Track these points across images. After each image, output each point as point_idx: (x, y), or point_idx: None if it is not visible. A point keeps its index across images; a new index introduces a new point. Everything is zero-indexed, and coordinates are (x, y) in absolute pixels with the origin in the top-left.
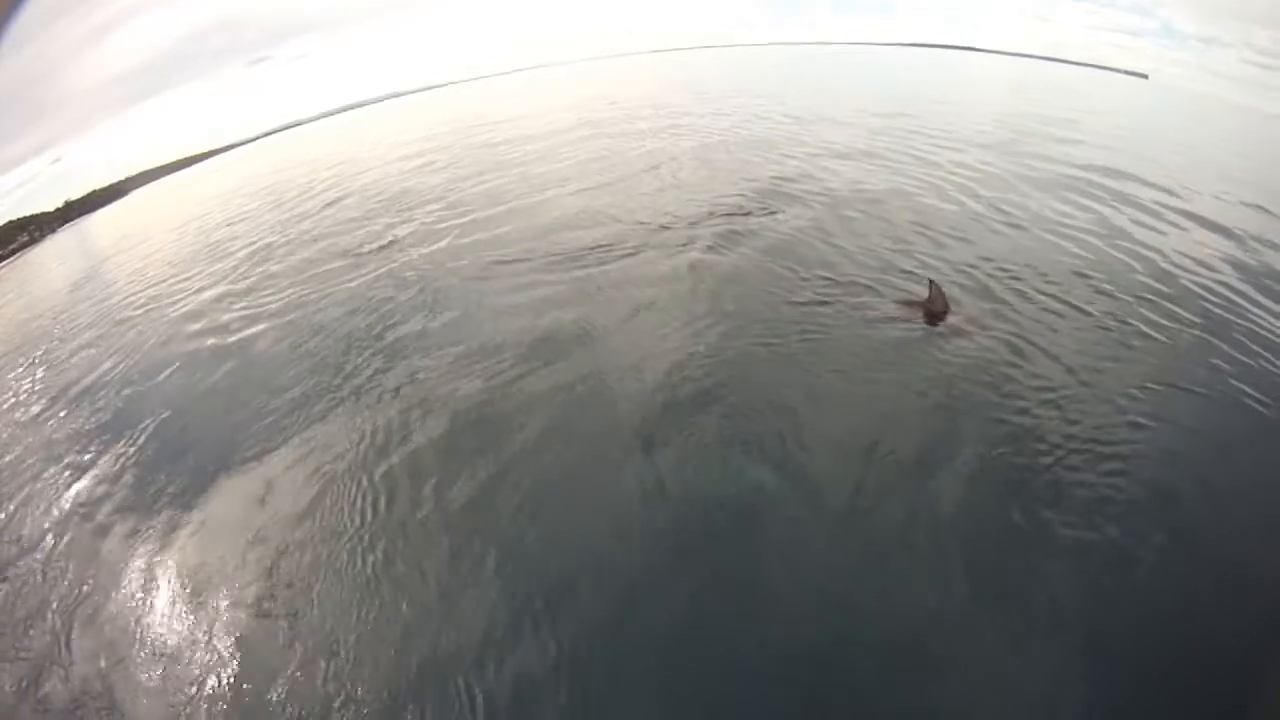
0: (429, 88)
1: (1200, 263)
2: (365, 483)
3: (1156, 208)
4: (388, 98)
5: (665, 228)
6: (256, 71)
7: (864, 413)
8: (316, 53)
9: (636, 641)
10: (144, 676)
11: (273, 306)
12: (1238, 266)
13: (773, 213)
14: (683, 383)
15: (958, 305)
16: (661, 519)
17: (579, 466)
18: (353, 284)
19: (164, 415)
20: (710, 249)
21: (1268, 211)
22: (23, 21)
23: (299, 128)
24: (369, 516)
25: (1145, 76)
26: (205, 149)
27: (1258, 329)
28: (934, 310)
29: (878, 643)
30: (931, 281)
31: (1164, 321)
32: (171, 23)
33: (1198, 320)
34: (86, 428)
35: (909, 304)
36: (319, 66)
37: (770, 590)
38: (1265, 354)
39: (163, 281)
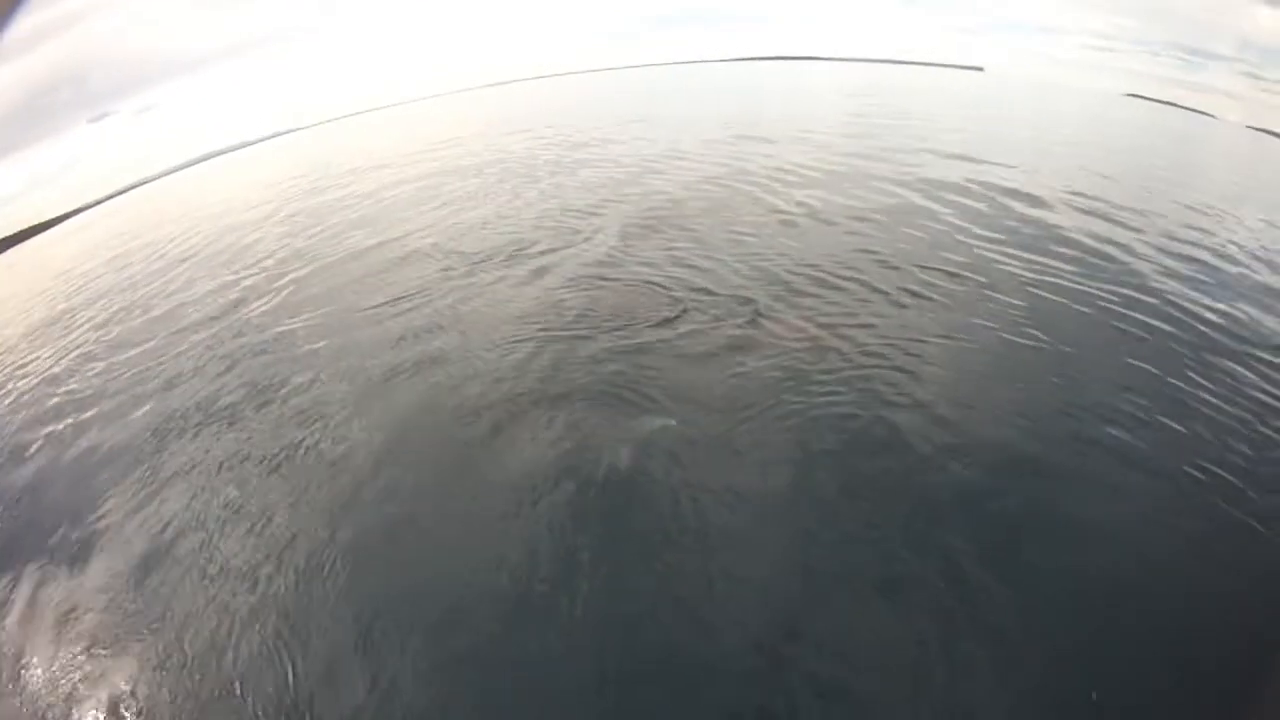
0: (274, 135)
1: (1009, 229)
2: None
3: (966, 185)
4: (235, 148)
5: (486, 259)
6: (100, 128)
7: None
8: (164, 104)
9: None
10: None
11: (119, 379)
12: (1039, 226)
13: (587, 238)
14: (526, 404)
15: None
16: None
17: (437, 493)
18: (203, 344)
19: None
20: (539, 274)
21: (1070, 178)
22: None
23: (146, 185)
24: (230, 578)
25: (980, 69)
26: (45, 218)
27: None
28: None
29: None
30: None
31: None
32: (10, 79)
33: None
34: None
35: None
36: (166, 119)
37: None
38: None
39: None
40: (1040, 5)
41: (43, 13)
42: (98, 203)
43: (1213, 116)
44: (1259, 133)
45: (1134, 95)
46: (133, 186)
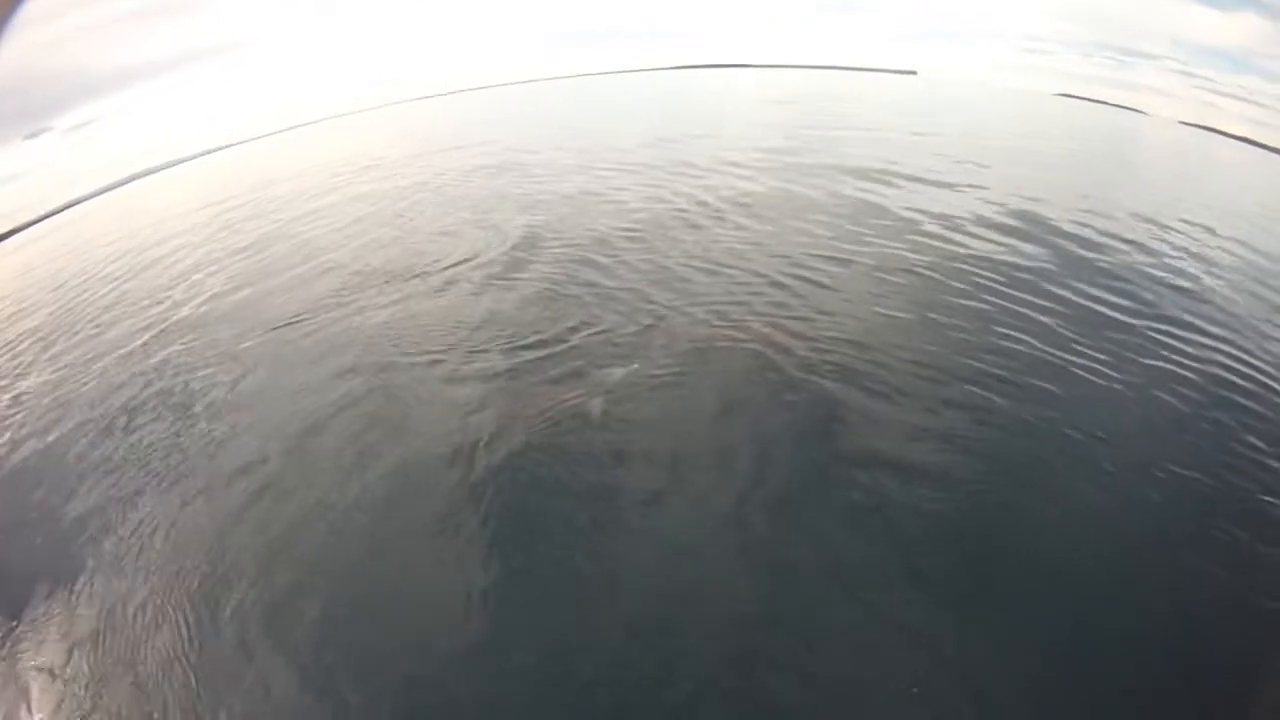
0: (211, 150)
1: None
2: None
3: (888, 178)
4: (173, 164)
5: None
6: (34, 145)
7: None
8: (102, 119)
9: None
10: None
11: (44, 415)
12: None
13: (519, 257)
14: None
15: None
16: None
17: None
18: (133, 370)
19: None
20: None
21: (983, 170)
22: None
23: (82, 205)
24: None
25: (914, 73)
26: None
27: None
28: None
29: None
30: None
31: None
32: None
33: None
34: None
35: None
36: (103, 135)
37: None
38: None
39: None
40: (973, 10)
41: None
42: (24, 227)
43: (1143, 113)
44: (1189, 127)
45: (1065, 95)
46: (60, 209)
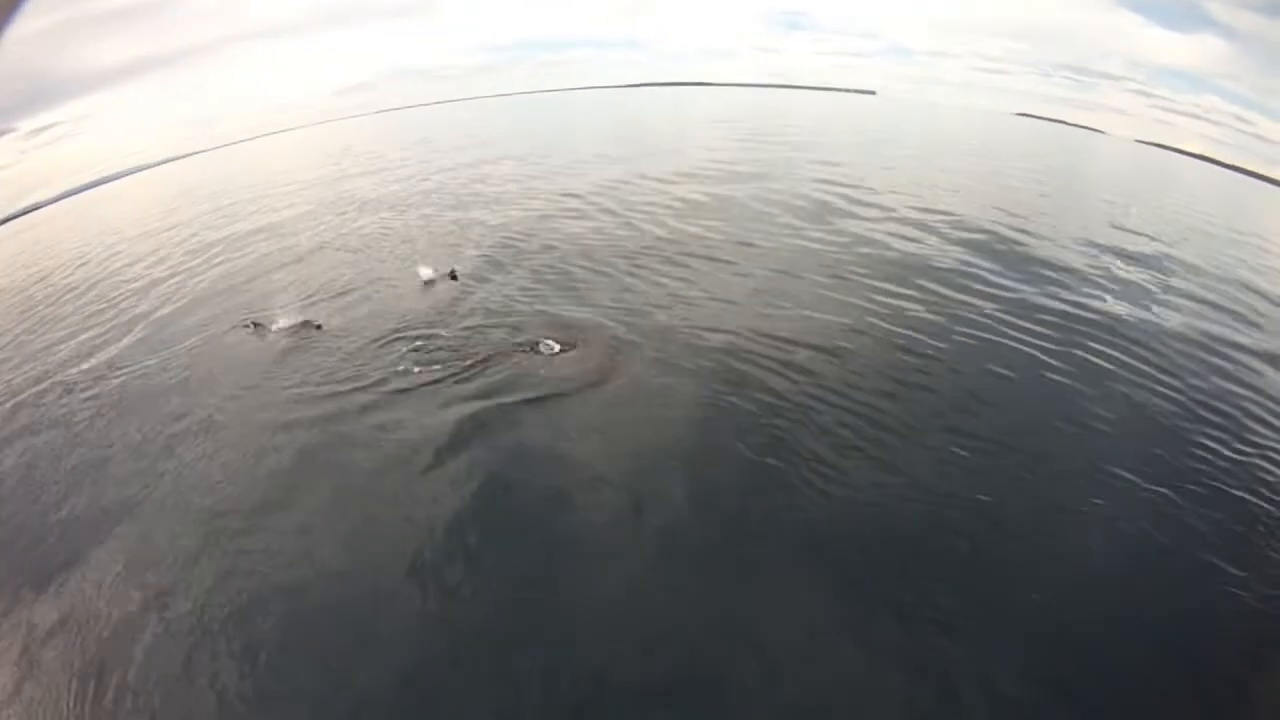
0: (168, 160)
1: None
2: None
3: (832, 195)
4: (125, 173)
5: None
6: None
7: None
8: (64, 123)
9: None
10: None
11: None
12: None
13: (486, 272)
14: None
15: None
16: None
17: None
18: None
19: None
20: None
21: (940, 188)
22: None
23: (34, 212)
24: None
25: (873, 93)
26: None
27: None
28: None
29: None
30: None
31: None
32: None
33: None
34: None
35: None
36: (62, 139)
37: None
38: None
39: None
40: (929, 30)
41: None
42: None
43: (1102, 132)
44: (1146, 145)
45: (1024, 114)
46: (24, 212)
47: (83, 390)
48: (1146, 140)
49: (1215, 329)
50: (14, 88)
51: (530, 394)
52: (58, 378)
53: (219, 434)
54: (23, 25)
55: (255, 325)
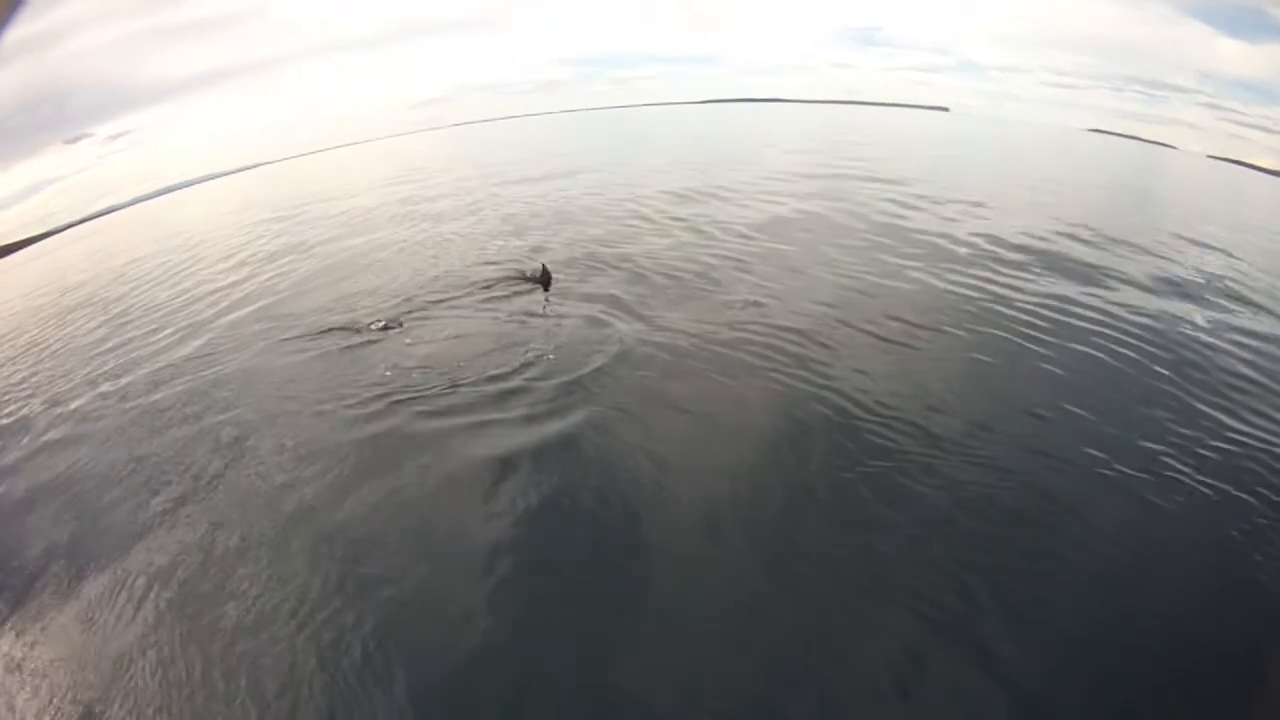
0: (243, 169)
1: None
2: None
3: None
4: (203, 179)
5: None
6: (76, 150)
7: None
8: (138, 130)
9: None
10: None
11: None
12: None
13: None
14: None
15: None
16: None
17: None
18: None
19: None
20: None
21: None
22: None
23: (106, 216)
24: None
25: (946, 109)
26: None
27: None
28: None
29: None
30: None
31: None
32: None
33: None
34: None
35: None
36: (138, 146)
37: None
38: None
39: None
40: (999, 45)
41: (33, 24)
42: (58, 231)
43: (1174, 148)
44: (1219, 161)
45: (1097, 130)
46: (97, 215)
47: (164, 386)
48: (1219, 155)
49: None
50: (90, 95)
51: (626, 400)
52: (143, 371)
53: (300, 430)
54: (23, 26)
55: (344, 329)
